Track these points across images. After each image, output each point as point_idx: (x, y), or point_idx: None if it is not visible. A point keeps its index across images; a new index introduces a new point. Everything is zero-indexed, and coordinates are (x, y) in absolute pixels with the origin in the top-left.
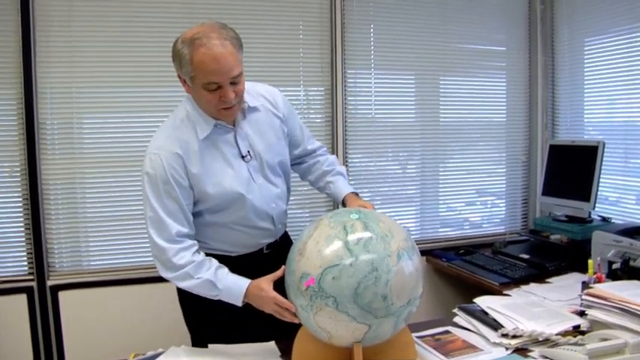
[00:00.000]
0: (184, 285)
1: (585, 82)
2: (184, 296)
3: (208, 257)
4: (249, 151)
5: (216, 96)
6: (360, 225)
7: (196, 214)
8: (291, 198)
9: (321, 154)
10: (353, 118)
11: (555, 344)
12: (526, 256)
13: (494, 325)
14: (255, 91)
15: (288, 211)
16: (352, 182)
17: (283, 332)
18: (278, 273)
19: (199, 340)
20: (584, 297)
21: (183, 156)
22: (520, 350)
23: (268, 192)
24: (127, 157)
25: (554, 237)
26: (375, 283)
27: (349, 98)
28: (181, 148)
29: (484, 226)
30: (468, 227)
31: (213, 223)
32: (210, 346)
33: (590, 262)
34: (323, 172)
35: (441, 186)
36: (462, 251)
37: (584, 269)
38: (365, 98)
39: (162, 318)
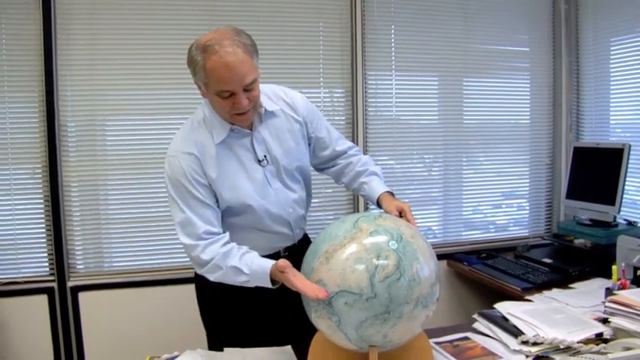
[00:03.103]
0: (215, 277)
1: (611, 83)
2: (203, 295)
3: (238, 246)
4: (265, 156)
5: (230, 102)
6: (393, 259)
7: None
8: (313, 200)
9: (354, 154)
10: (374, 120)
11: (577, 352)
12: (549, 261)
13: (514, 332)
14: (274, 95)
15: (310, 214)
16: None
17: (300, 336)
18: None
19: (216, 342)
20: (607, 304)
21: (200, 158)
22: (540, 358)
23: (285, 197)
24: (147, 158)
25: (578, 241)
26: (382, 324)
27: (370, 100)
28: (198, 150)
29: (508, 229)
30: (492, 230)
31: (232, 225)
32: (225, 349)
33: (614, 267)
34: (356, 172)
35: (464, 188)
36: (483, 255)
37: (608, 275)
38: (386, 100)
39: (181, 320)
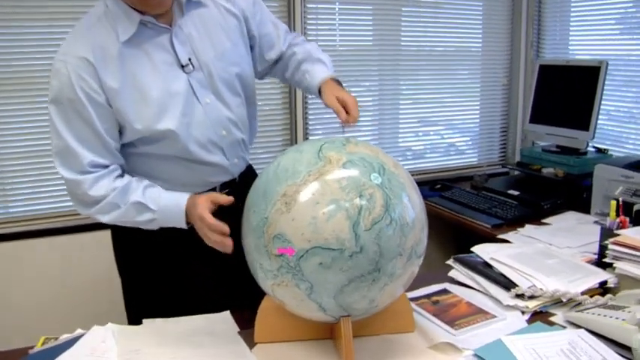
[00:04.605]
0: (110, 219)
1: None
2: (120, 246)
3: (136, 177)
4: (190, 59)
5: None
6: (379, 198)
7: (126, 142)
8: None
9: (297, 43)
10: None
11: (579, 305)
12: (515, 193)
13: (504, 283)
14: None
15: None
16: (312, 115)
17: (242, 300)
18: (221, 198)
19: (135, 311)
20: (611, 246)
21: (96, 64)
22: (538, 315)
23: (217, 115)
24: (39, 77)
25: (547, 170)
26: (370, 286)
27: (310, 33)
28: (94, 53)
29: (457, 156)
30: (438, 158)
31: (146, 155)
32: (145, 322)
33: (612, 203)
34: (298, 61)
35: (402, 114)
36: (438, 186)
37: (581, 208)
38: (329, 32)
39: (94, 280)
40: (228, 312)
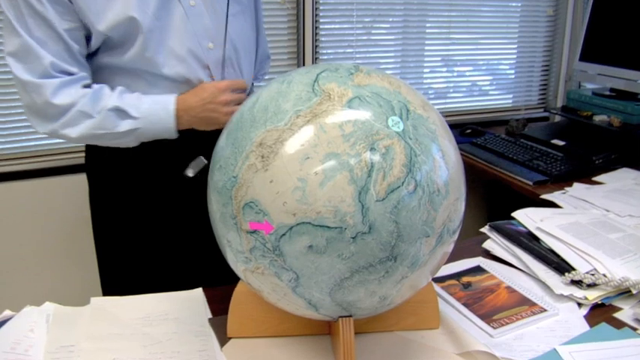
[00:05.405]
0: (81, 133)
1: None
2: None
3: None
4: None
5: None
6: (400, 150)
7: (93, 52)
8: None
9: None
10: None
11: None
12: (560, 143)
13: (556, 263)
14: None
15: None
16: (324, 43)
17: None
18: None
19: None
20: None
21: None
22: (598, 308)
23: (203, 22)
24: None
25: (600, 118)
26: (383, 280)
27: None
28: None
29: (489, 97)
30: (467, 99)
31: (114, 69)
32: (93, 300)
33: None
34: None
35: (427, 47)
36: (468, 131)
37: (637, 164)
38: None
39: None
40: (200, 290)
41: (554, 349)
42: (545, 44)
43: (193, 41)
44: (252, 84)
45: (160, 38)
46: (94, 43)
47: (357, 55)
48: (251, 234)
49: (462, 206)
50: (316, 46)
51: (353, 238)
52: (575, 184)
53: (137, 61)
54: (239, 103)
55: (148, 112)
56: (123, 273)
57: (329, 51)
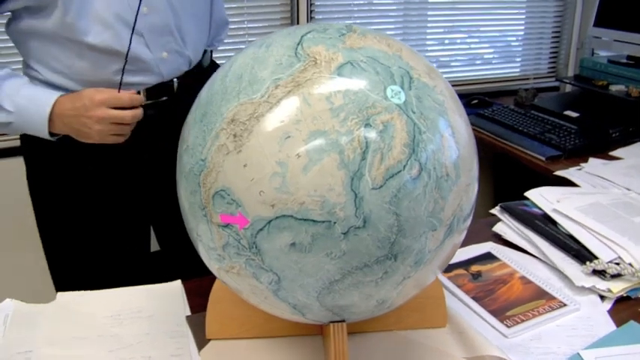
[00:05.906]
0: None
1: None
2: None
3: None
4: None
5: None
6: (401, 127)
7: (13, 16)
8: None
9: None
10: None
11: None
12: (573, 114)
13: (575, 251)
14: None
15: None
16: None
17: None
18: (124, 97)
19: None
20: None
21: None
22: (623, 302)
23: None
24: None
25: (616, 88)
26: (380, 282)
27: None
28: None
29: (495, 66)
30: (472, 68)
31: (36, 35)
32: (59, 295)
33: None
34: None
35: (430, 13)
36: (475, 101)
37: None
38: None
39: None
40: (179, 282)
41: (578, 354)
42: (556, 8)
43: (122, 4)
44: (208, 52)
45: (81, 0)
46: (11, 4)
47: (357, 22)
48: (223, 228)
49: (474, 192)
50: (311, 12)
51: (344, 233)
52: (591, 160)
53: (60, 28)
54: (119, 123)
55: (23, 108)
56: (74, 266)
57: (325, 16)
